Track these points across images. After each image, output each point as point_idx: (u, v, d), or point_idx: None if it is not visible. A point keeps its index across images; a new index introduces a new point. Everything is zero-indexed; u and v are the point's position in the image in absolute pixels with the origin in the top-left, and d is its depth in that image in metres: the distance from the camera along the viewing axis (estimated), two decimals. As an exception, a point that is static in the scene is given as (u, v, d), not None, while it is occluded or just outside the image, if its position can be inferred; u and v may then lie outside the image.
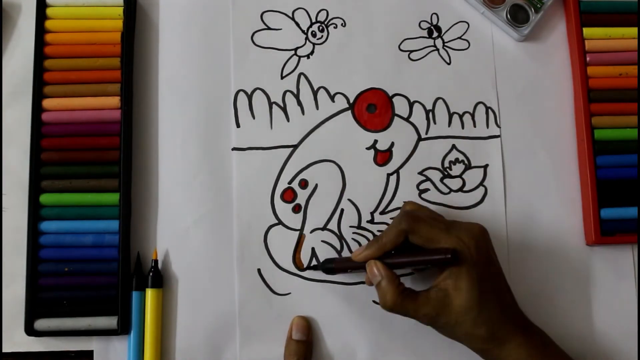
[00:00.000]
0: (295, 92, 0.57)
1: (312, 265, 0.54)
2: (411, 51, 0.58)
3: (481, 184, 0.56)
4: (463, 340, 0.47)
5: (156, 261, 0.53)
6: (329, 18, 0.58)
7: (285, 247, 0.54)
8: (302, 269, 0.54)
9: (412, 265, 0.48)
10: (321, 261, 0.53)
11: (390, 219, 0.55)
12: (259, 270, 0.54)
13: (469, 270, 0.45)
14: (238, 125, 0.56)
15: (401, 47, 0.58)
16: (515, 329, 0.46)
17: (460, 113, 0.57)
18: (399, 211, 0.53)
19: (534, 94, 0.58)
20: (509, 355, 0.46)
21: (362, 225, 0.55)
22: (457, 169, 0.56)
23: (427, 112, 0.57)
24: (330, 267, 0.52)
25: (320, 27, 0.58)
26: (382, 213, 0.55)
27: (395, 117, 0.57)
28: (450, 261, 0.45)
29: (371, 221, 0.55)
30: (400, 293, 0.47)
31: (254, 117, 0.56)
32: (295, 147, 0.56)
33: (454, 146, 0.56)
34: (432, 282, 0.48)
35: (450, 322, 0.46)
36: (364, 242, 0.54)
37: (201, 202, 0.54)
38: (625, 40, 0.57)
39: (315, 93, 0.57)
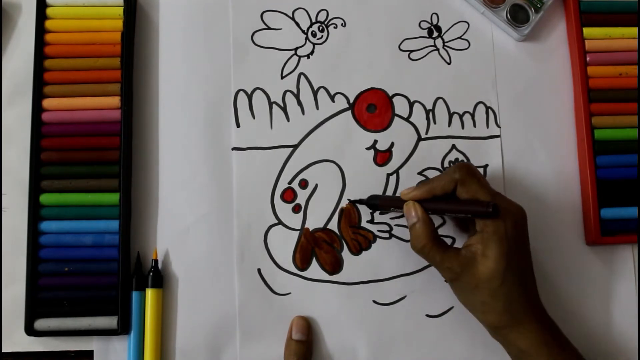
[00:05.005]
0: (295, 92, 0.57)
1: (358, 199, 0.54)
2: (411, 51, 0.58)
3: (481, 184, 0.56)
4: (478, 310, 0.47)
5: (156, 261, 0.53)
6: (329, 18, 0.58)
7: (285, 247, 0.54)
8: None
9: (451, 213, 0.49)
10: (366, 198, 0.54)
11: (391, 218, 0.55)
12: (259, 270, 0.54)
13: (501, 241, 0.46)
14: (238, 125, 0.56)
15: (401, 47, 0.58)
16: (531, 314, 0.46)
17: (460, 113, 0.57)
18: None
19: (534, 94, 0.58)
20: (518, 338, 0.46)
21: (362, 225, 0.55)
22: (457, 169, 0.56)
23: (427, 112, 0.57)
24: (375, 203, 0.53)
25: (320, 27, 0.58)
26: (381, 213, 0.55)
27: (395, 117, 0.57)
28: (490, 215, 0.45)
29: (371, 221, 0.55)
30: (432, 239, 0.48)
31: (254, 117, 0.56)
32: (295, 147, 0.56)
33: (453, 146, 0.56)
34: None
35: (471, 284, 0.46)
36: (364, 242, 0.55)
37: (201, 202, 0.54)
38: (625, 40, 0.57)
39: (315, 93, 0.57)
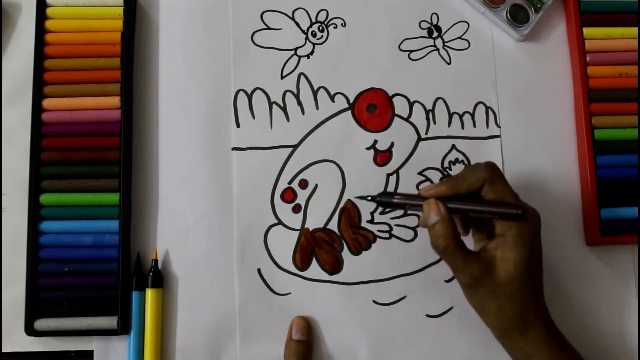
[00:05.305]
0: (295, 92, 0.57)
1: (366, 196, 0.52)
2: (411, 51, 0.58)
3: (481, 184, 0.56)
4: (492, 315, 0.46)
5: (156, 261, 0.53)
6: (329, 18, 0.58)
7: (285, 247, 0.54)
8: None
9: (477, 213, 0.47)
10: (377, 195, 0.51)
11: (391, 218, 0.55)
12: (259, 270, 0.54)
13: (524, 245, 0.45)
14: (238, 125, 0.56)
15: (401, 47, 0.58)
16: (540, 319, 0.46)
17: (460, 113, 0.57)
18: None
19: (534, 94, 0.58)
20: (527, 343, 0.46)
21: (362, 225, 0.55)
22: (457, 169, 0.56)
23: (427, 112, 0.57)
24: (387, 200, 0.50)
25: (320, 27, 0.58)
26: (382, 213, 0.55)
27: (395, 117, 0.57)
28: (519, 217, 0.45)
29: (371, 221, 0.55)
30: (455, 239, 0.46)
31: (254, 117, 0.56)
32: (295, 147, 0.56)
33: (453, 146, 0.56)
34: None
35: (488, 290, 0.46)
36: (364, 242, 0.55)
37: (201, 202, 0.54)
38: (625, 40, 0.57)
39: (315, 93, 0.57)
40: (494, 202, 0.46)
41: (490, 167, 0.47)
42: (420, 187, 0.55)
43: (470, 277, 0.46)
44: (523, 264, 0.45)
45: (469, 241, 0.50)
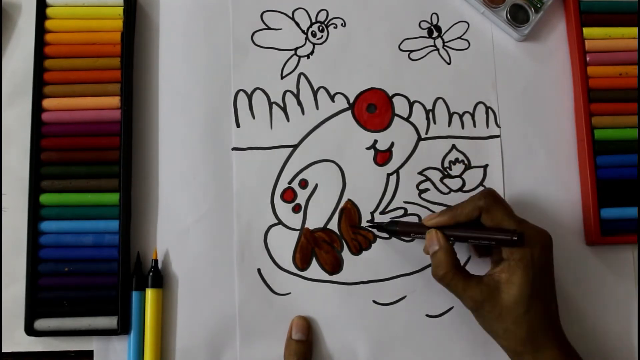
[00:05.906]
0: (295, 92, 0.57)
1: (376, 223, 0.54)
2: (411, 51, 0.58)
3: (481, 184, 0.56)
4: (500, 336, 0.47)
5: (156, 261, 0.53)
6: (329, 18, 0.58)
7: (285, 247, 0.54)
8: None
9: (475, 241, 0.48)
10: (385, 224, 0.54)
11: (390, 218, 0.55)
12: (259, 270, 0.54)
13: (527, 269, 0.46)
14: (238, 125, 0.56)
15: (401, 47, 0.58)
16: (553, 340, 0.46)
17: (460, 113, 0.57)
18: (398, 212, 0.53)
19: (534, 94, 0.58)
20: None
21: (362, 225, 0.55)
22: (457, 169, 0.56)
23: (427, 112, 0.57)
24: (394, 229, 0.52)
25: (320, 27, 0.58)
26: (382, 213, 0.55)
27: (395, 117, 0.57)
28: (515, 243, 0.45)
29: (371, 221, 0.55)
30: (454, 267, 0.47)
31: (254, 117, 0.56)
32: (295, 147, 0.56)
33: (453, 146, 0.56)
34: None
35: (494, 313, 0.46)
36: (364, 242, 0.55)
37: (201, 202, 0.54)
38: (625, 40, 0.57)
39: (315, 93, 0.57)
40: (492, 229, 0.47)
41: (489, 195, 0.48)
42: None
43: (472, 302, 0.47)
44: (527, 287, 0.45)
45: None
